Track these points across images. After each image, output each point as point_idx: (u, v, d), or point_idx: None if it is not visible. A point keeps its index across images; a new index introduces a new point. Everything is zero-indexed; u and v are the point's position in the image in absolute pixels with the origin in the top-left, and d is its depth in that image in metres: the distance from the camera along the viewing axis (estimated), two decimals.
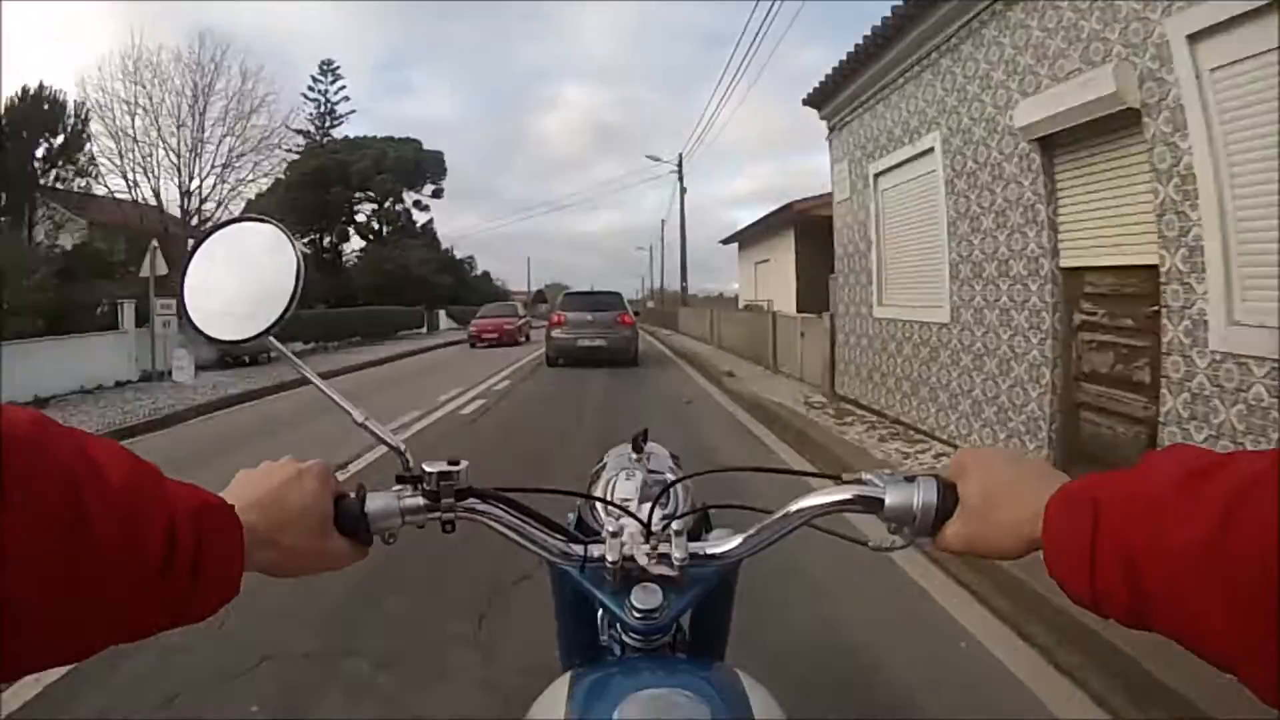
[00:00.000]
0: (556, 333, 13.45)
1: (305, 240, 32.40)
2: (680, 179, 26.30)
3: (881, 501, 0.61)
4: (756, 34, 13.90)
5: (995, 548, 0.56)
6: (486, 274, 51.08)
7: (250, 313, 0.69)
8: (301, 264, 0.69)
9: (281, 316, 0.68)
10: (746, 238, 20.71)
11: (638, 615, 0.66)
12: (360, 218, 36.35)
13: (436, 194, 39.66)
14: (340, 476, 0.64)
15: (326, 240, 34.53)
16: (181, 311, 0.70)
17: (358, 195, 35.31)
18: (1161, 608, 0.42)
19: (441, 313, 34.23)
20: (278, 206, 28.20)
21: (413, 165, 37.14)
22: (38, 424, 0.41)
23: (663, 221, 46.01)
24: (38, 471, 0.40)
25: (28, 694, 2.20)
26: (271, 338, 0.69)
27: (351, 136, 37.09)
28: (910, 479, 0.61)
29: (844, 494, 0.64)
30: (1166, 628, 0.42)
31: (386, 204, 36.59)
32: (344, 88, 36.86)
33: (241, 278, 0.71)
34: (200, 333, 0.70)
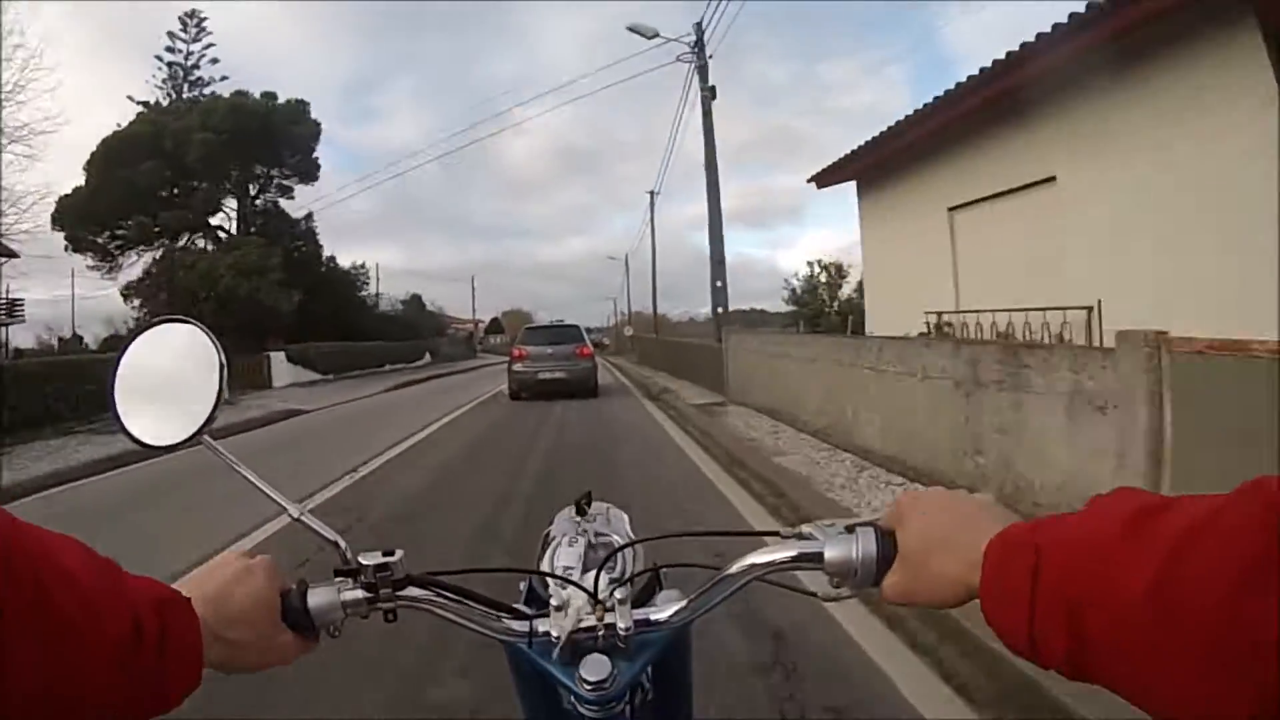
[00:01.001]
0: (517, 367, 13.58)
1: (115, 242, 23.52)
2: (652, 218, 26.94)
3: (821, 555, 0.61)
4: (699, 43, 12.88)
5: (934, 598, 0.54)
6: (417, 298, 43.39)
7: (180, 415, 0.69)
8: (223, 361, 0.70)
9: (211, 416, 0.69)
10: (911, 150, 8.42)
11: (588, 687, 0.66)
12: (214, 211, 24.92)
13: (302, 173, 26.51)
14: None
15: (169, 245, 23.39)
16: (116, 421, 0.70)
17: (185, 177, 23.66)
18: (1103, 657, 0.40)
19: (280, 355, 20.54)
20: (81, 203, 21.72)
21: (258, 127, 23.98)
22: (2, 521, 0.43)
23: (627, 256, 44.95)
24: (10, 568, 0.41)
25: None
26: (206, 436, 0.69)
27: (188, 95, 25.35)
28: (850, 529, 0.61)
29: (787, 551, 0.64)
30: (1107, 678, 0.41)
31: (226, 186, 24.99)
32: (212, 45, 26.25)
33: (168, 380, 0.71)
34: (137, 441, 0.70)
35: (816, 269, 31.11)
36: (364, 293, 32.82)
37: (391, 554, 0.65)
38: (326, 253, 28.98)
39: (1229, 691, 0.34)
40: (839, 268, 30.30)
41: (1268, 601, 0.33)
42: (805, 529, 0.65)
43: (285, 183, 27.02)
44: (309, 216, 27.75)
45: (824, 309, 28.47)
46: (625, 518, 0.94)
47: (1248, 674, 0.34)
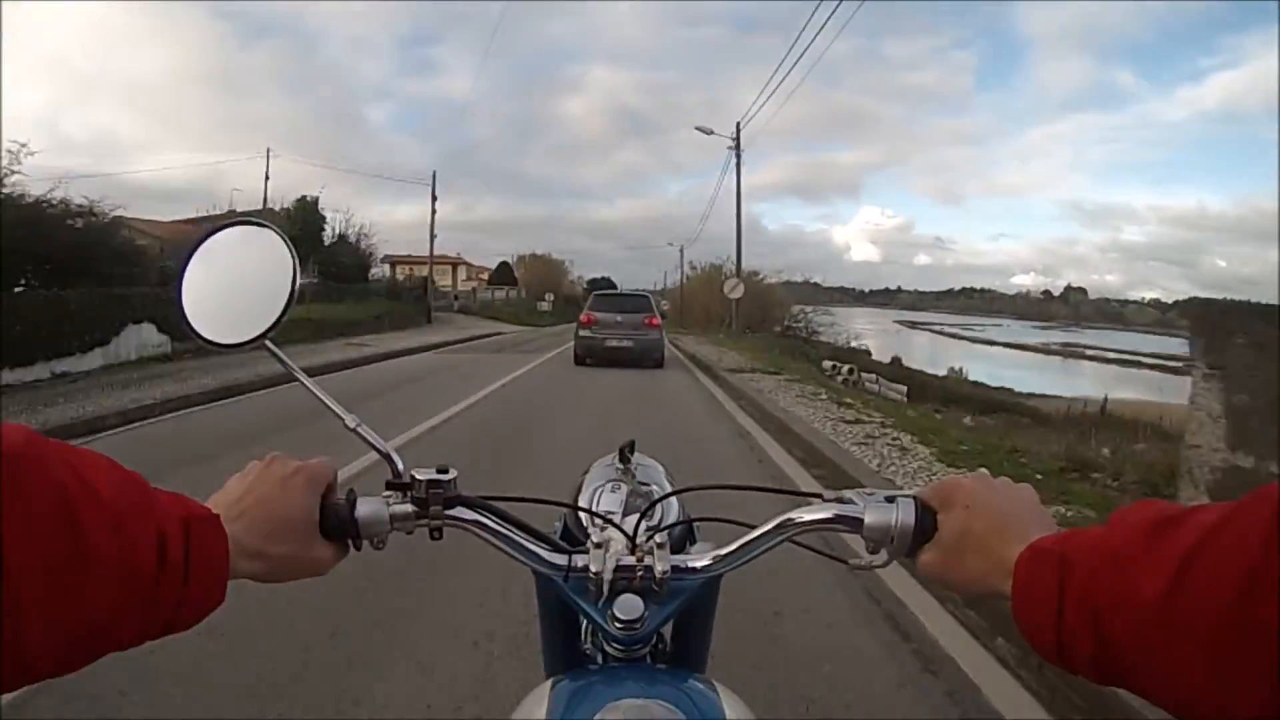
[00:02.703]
0: (584, 332, 13.65)
1: None
2: (738, 152, 21.36)
3: (861, 521, 0.62)
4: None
5: (965, 589, 0.58)
6: (309, 202, 25.97)
7: (246, 317, 0.70)
8: (297, 268, 0.70)
9: (278, 321, 0.69)
10: None
11: (619, 625, 0.67)
12: None
13: None
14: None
15: None
16: (179, 314, 0.71)
17: None
18: (1126, 661, 0.43)
19: None
20: None
21: None
22: (28, 439, 0.42)
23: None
24: (31, 486, 0.41)
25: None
26: (268, 342, 0.70)
27: None
28: (891, 499, 0.62)
29: (825, 513, 0.65)
30: (1131, 681, 0.43)
31: None
32: None
33: (237, 281, 0.72)
34: (198, 336, 0.71)
35: None
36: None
37: (445, 472, 0.66)
38: None
39: (1240, 691, 0.37)
40: None
41: (1272, 601, 0.35)
42: (845, 494, 0.65)
43: None
44: None
45: None
46: (663, 469, 0.95)
47: (1257, 674, 0.36)
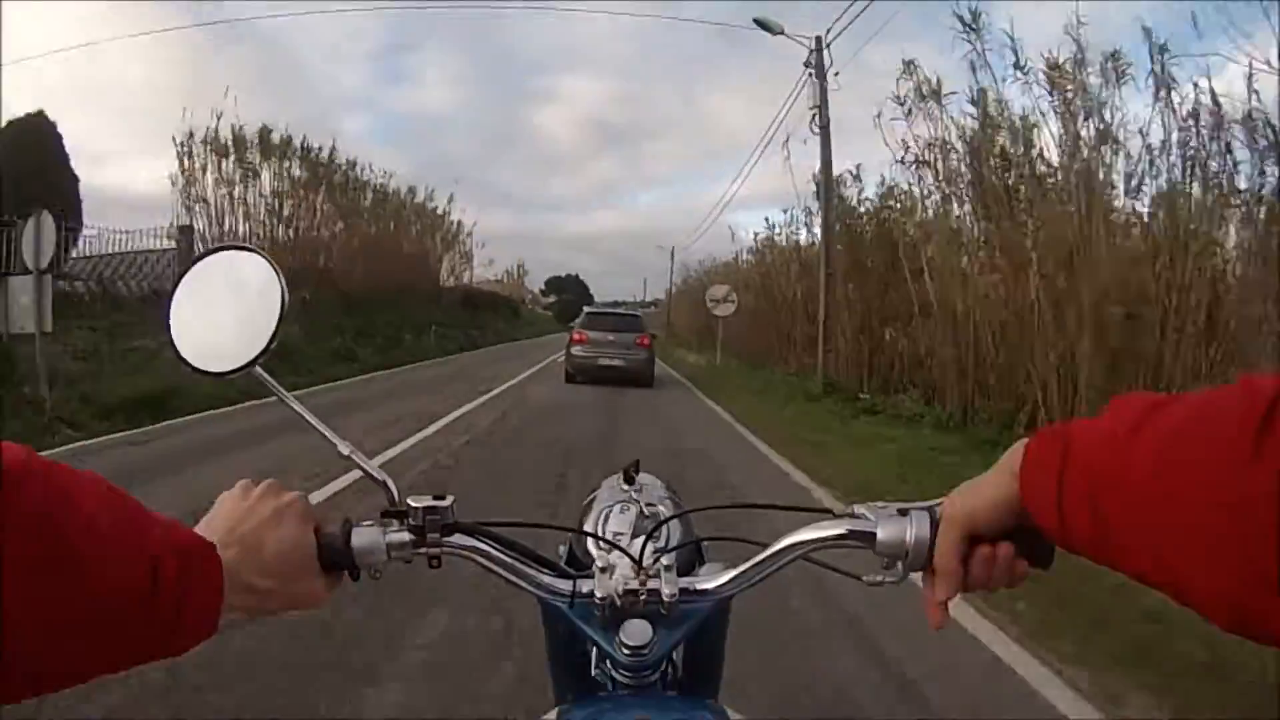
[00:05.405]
0: (577, 350, 13.71)
1: None
2: (820, 68, 12.07)
3: (874, 536, 0.61)
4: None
5: (990, 500, 0.54)
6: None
7: (236, 344, 0.69)
8: (286, 293, 0.69)
9: (267, 346, 0.68)
10: None
11: (626, 651, 0.66)
12: None
13: None
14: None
15: None
16: (169, 343, 0.71)
17: None
18: (1121, 540, 0.44)
19: None
20: None
21: None
22: (29, 458, 0.42)
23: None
24: (23, 506, 0.40)
25: None
26: (259, 369, 0.69)
27: None
28: (904, 512, 0.60)
29: (837, 529, 0.63)
30: (1126, 562, 0.45)
31: None
32: None
33: (226, 308, 0.71)
34: (187, 363, 0.70)
35: None
36: None
37: (442, 498, 0.65)
38: None
39: (1227, 571, 0.38)
40: None
41: (1246, 468, 0.37)
42: (856, 509, 0.63)
43: None
44: None
45: None
46: (671, 489, 0.93)
47: (1242, 554, 0.37)
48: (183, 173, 18.77)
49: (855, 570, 0.68)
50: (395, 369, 15.66)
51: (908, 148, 10.14)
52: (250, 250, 0.72)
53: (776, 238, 18.65)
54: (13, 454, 0.41)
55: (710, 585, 0.69)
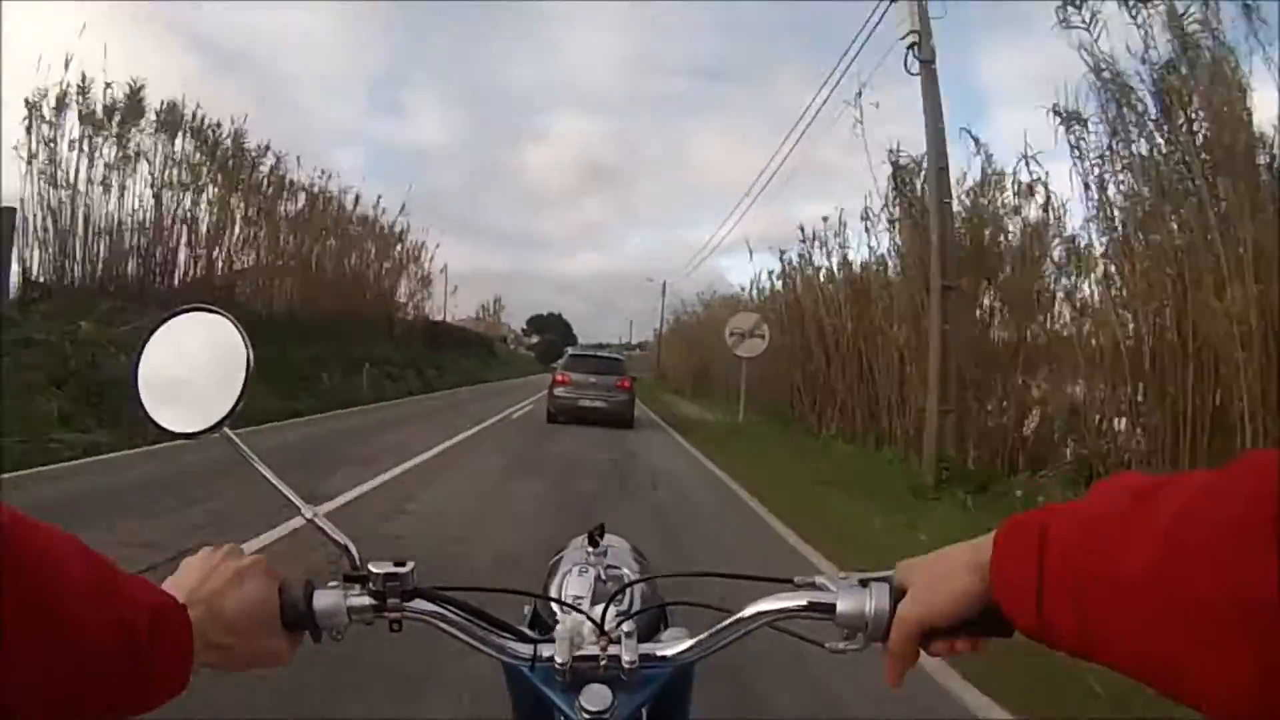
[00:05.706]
0: (559, 391, 13.84)
1: None
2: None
3: (834, 608, 0.61)
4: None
5: (950, 599, 0.52)
6: None
7: (202, 403, 0.70)
8: (251, 354, 0.70)
9: (234, 408, 0.69)
10: None
11: (587, 716, 0.66)
12: None
13: None
14: None
15: None
16: (136, 402, 0.71)
17: None
18: (1109, 635, 0.41)
19: None
20: None
21: None
22: (11, 517, 0.43)
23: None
24: (4, 563, 0.41)
25: None
26: (227, 429, 0.70)
27: None
28: (865, 583, 0.61)
29: (798, 600, 0.64)
30: (1113, 657, 0.42)
31: None
32: None
33: (193, 368, 0.72)
34: (155, 425, 0.71)
35: None
36: None
37: (403, 564, 0.65)
38: None
39: (1224, 667, 0.35)
40: None
41: (1262, 560, 0.34)
42: (818, 579, 0.64)
43: None
44: None
45: None
46: (638, 551, 0.93)
47: (1246, 634, 0.34)
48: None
49: (819, 637, 0.69)
50: (262, 425, 9.33)
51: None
52: (214, 312, 0.73)
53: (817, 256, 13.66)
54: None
55: (671, 652, 0.69)
